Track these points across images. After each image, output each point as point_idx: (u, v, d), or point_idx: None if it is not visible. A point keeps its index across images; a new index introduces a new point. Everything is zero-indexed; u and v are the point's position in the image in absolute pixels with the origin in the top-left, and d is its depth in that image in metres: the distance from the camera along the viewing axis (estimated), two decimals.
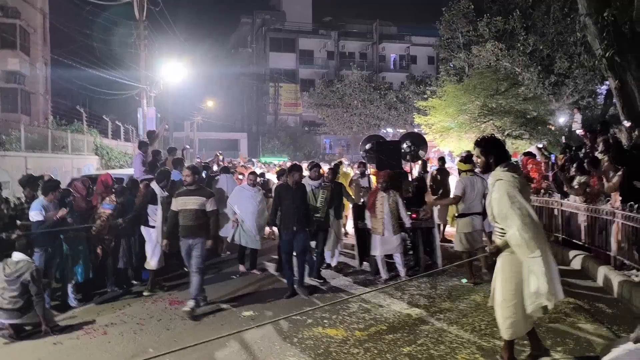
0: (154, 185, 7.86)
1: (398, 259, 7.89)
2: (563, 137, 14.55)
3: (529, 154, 12.29)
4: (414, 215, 8.28)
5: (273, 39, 50.46)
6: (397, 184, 8.55)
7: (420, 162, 11.92)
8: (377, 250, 7.86)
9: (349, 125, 41.47)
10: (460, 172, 7.96)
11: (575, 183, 8.57)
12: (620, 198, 7.18)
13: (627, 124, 9.76)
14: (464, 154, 8.42)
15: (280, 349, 5.26)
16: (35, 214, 6.63)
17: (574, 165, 8.77)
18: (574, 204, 8.56)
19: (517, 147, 19.17)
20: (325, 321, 6.09)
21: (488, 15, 23.15)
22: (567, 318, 5.83)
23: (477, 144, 4.46)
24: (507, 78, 18.83)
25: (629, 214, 6.56)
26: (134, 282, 8.07)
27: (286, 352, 5.17)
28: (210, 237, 6.81)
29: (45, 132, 19.10)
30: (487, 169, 4.40)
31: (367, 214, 8.03)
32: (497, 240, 4.35)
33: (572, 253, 8.48)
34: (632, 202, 6.53)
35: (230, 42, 58.87)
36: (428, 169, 12.05)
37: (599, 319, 5.79)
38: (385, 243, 7.78)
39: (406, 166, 11.34)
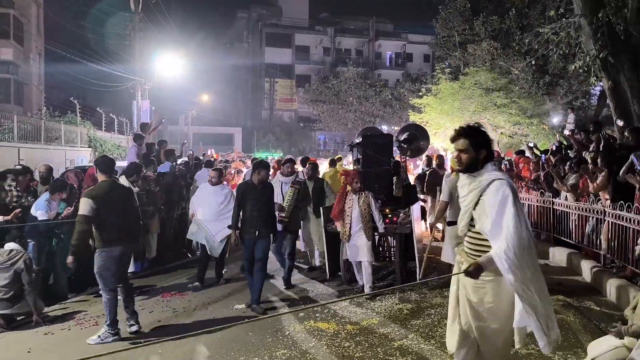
0: (122, 179, 7.32)
1: (365, 268, 6.91)
2: (558, 136, 14.61)
3: (521, 153, 12.37)
4: (395, 219, 7.54)
5: (269, 34, 50.34)
6: (384, 184, 7.94)
7: (424, 157, 11.80)
8: (347, 255, 7.09)
9: (344, 122, 41.47)
10: (452, 171, 7.01)
11: (568, 181, 8.64)
12: (608, 197, 7.25)
13: (620, 123, 9.84)
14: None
15: (271, 342, 5.29)
16: (40, 214, 6.70)
17: (567, 164, 8.83)
18: (565, 202, 8.63)
19: (511, 146, 19.28)
20: (317, 315, 6.12)
21: (484, 14, 23.22)
22: (556, 314, 5.88)
23: (464, 133, 3.35)
24: (502, 76, 18.92)
25: (619, 212, 6.62)
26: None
27: (277, 345, 5.20)
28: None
29: (39, 123, 19.02)
30: (473, 167, 3.32)
31: (336, 222, 7.11)
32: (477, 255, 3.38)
33: (562, 251, 8.56)
34: (622, 202, 6.59)
35: (226, 36, 58.67)
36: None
37: (587, 315, 5.85)
38: (351, 249, 6.94)
39: (406, 162, 10.37)
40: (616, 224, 6.74)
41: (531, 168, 10.67)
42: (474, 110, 18.69)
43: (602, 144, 8.71)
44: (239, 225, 6.56)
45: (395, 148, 8.80)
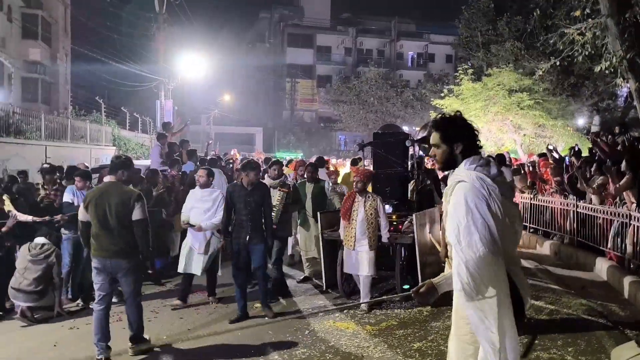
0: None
1: (364, 283, 6.34)
2: (578, 143, 14.37)
3: (544, 155, 12.19)
4: (400, 227, 6.84)
5: (291, 34, 50.50)
6: (397, 188, 7.30)
7: None
8: (345, 268, 6.46)
9: (365, 122, 41.37)
10: None
11: (593, 182, 8.51)
12: (634, 201, 7.13)
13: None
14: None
15: (291, 340, 5.34)
16: (67, 196, 6.82)
17: (593, 166, 8.70)
18: (589, 205, 8.50)
19: (534, 148, 19.02)
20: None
21: (508, 15, 22.95)
22: (579, 319, 5.82)
23: (435, 125, 2.92)
24: (526, 77, 18.67)
25: None
26: (149, 271, 8.18)
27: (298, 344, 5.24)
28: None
29: (65, 122, 19.42)
30: (450, 164, 2.85)
31: (342, 222, 6.50)
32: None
33: (587, 255, 8.44)
34: None
35: (248, 36, 59.03)
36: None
37: (611, 320, 5.77)
38: (350, 260, 6.35)
39: (428, 163, 9.97)
40: None
41: (556, 171, 10.51)
42: (496, 112, 18.50)
43: (626, 147, 8.56)
44: (230, 230, 6.12)
45: (417, 149, 8.14)
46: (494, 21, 23.82)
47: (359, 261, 6.25)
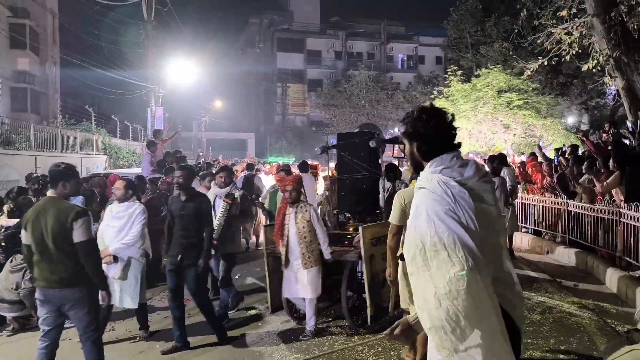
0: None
1: (308, 307, 5.52)
2: (564, 145, 14.44)
3: (533, 155, 12.25)
4: (348, 244, 5.82)
5: (281, 39, 50.56)
6: (364, 195, 6.36)
7: None
8: (284, 291, 5.60)
9: (357, 125, 41.39)
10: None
11: (583, 180, 8.57)
12: (622, 199, 7.18)
13: (631, 120, 9.75)
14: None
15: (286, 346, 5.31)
16: None
17: (584, 164, 8.75)
18: (579, 203, 8.55)
19: (524, 148, 19.10)
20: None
21: (496, 15, 23.11)
22: (571, 317, 5.84)
23: (402, 120, 2.46)
24: (515, 77, 18.78)
25: (635, 214, 6.55)
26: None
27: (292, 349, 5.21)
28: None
29: (55, 131, 19.32)
30: (416, 167, 2.38)
31: (275, 241, 5.62)
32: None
33: (577, 253, 8.48)
34: (637, 202, 6.52)
35: (238, 42, 59.05)
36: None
37: (603, 318, 5.79)
38: (287, 282, 5.53)
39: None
40: (631, 225, 6.67)
41: (543, 170, 10.57)
42: (486, 112, 18.57)
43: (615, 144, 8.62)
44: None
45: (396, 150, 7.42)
46: (482, 22, 23.98)
47: (298, 282, 5.41)
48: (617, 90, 11.32)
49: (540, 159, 10.99)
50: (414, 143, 2.31)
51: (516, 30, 14.13)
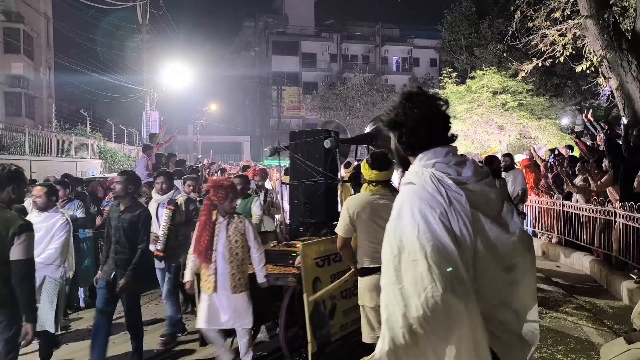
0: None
1: (241, 340, 4.62)
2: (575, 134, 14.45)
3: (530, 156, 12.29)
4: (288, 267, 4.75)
5: (276, 42, 50.60)
6: (319, 203, 5.52)
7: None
8: (202, 321, 4.52)
9: (352, 128, 41.39)
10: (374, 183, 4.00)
11: (577, 181, 8.60)
12: (617, 199, 7.21)
13: (624, 121, 9.80)
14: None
15: None
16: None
17: (578, 164, 8.79)
18: (575, 204, 8.58)
19: (519, 149, 19.18)
20: None
21: (490, 17, 23.21)
22: (569, 317, 5.86)
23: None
24: (510, 78, 18.87)
25: (630, 214, 6.58)
26: None
27: None
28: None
29: (49, 135, 19.26)
30: (403, 162, 1.99)
31: (192, 256, 4.60)
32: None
33: (572, 253, 8.51)
34: (632, 202, 6.55)
35: (233, 45, 59.07)
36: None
37: (600, 318, 5.81)
38: (212, 307, 4.48)
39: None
40: (627, 225, 6.70)
41: (538, 171, 10.62)
42: (481, 113, 18.65)
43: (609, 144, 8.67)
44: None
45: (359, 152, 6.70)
46: (476, 24, 24.08)
47: (228, 310, 4.47)
48: (611, 91, 11.37)
49: (538, 160, 11.03)
50: (397, 133, 1.89)
51: (510, 32, 14.19)
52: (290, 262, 4.75)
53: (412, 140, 1.86)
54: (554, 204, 9.42)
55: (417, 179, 1.77)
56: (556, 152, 11.12)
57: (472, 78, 19.37)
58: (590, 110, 10.67)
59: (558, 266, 8.55)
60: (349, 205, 3.91)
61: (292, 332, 4.74)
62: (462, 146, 19.21)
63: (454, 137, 1.91)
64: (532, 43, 12.50)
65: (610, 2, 10.30)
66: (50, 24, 31.53)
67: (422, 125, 1.84)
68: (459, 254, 1.64)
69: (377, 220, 3.76)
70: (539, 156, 11.35)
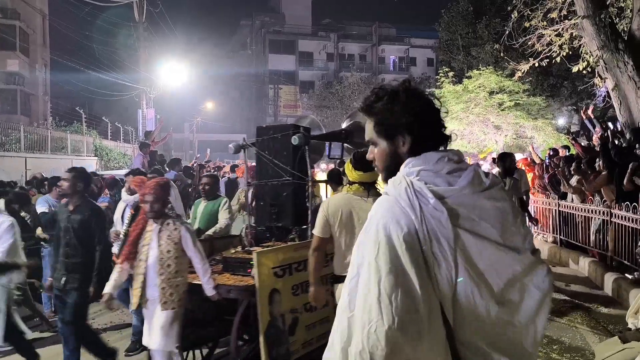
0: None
1: None
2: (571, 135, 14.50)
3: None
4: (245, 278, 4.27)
5: (272, 40, 50.54)
6: (287, 205, 5.07)
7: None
8: (145, 339, 4.02)
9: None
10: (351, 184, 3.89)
11: (573, 181, 8.63)
12: (613, 199, 7.23)
13: (611, 126, 9.87)
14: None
15: None
16: (40, 207, 6.63)
17: (573, 164, 8.82)
18: (570, 203, 8.61)
19: (515, 149, 19.22)
20: None
21: (487, 17, 23.24)
22: (564, 316, 5.87)
23: (368, 106, 1.66)
24: (506, 78, 18.92)
25: (625, 213, 6.60)
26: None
27: None
28: None
29: (45, 133, 19.17)
30: (388, 171, 1.63)
31: (118, 267, 4.02)
32: None
33: (569, 253, 8.53)
34: (627, 202, 6.57)
35: (230, 44, 58.98)
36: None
37: (595, 317, 5.83)
38: (148, 326, 3.96)
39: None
40: (622, 225, 6.72)
41: (535, 170, 10.65)
42: (477, 113, 18.68)
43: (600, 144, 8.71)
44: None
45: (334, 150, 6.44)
46: (473, 24, 24.10)
47: (151, 327, 3.93)
48: (607, 92, 11.40)
49: (536, 159, 11.06)
50: (398, 138, 1.57)
51: (507, 32, 14.23)
52: (249, 270, 4.24)
53: (414, 148, 1.55)
54: (549, 203, 9.44)
55: (394, 189, 1.49)
56: (551, 153, 11.15)
57: (469, 78, 19.39)
58: (591, 107, 10.68)
59: (553, 266, 8.57)
60: (327, 204, 3.68)
61: (250, 350, 4.19)
62: (458, 146, 19.24)
63: (448, 138, 1.62)
64: (529, 43, 12.51)
65: (607, 3, 10.34)
66: (47, 21, 31.41)
67: (426, 129, 1.57)
68: (423, 285, 1.34)
69: (356, 224, 3.54)
70: (537, 155, 11.39)
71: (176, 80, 24.63)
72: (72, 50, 24.87)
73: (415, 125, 1.55)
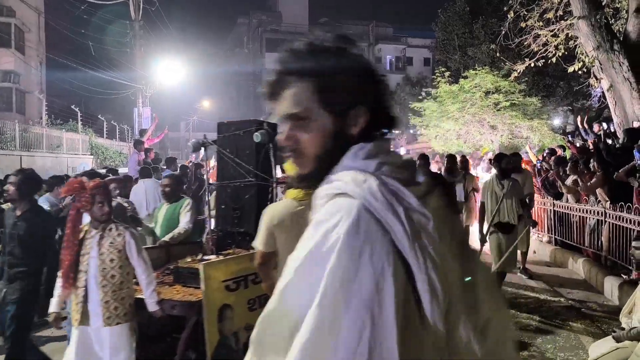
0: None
1: None
2: (567, 137, 14.52)
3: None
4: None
5: (269, 39, 50.49)
6: (251, 209, 4.61)
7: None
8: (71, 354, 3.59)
9: None
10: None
11: (569, 181, 8.66)
12: (607, 199, 7.26)
13: (605, 125, 9.93)
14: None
15: None
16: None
17: (569, 164, 8.85)
18: (565, 203, 8.63)
19: (511, 149, 19.27)
20: None
21: (483, 17, 23.29)
22: (558, 316, 5.89)
23: (288, 64, 1.16)
24: (502, 78, 18.96)
25: (620, 214, 6.63)
26: None
27: None
28: None
29: (40, 131, 19.12)
30: (322, 163, 1.06)
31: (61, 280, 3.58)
32: None
33: (564, 252, 8.55)
34: (621, 203, 6.60)
35: (227, 42, 58.89)
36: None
37: (589, 317, 5.85)
38: (86, 346, 3.54)
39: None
40: (616, 225, 6.75)
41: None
42: (473, 113, 18.71)
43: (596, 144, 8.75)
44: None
45: None
46: (469, 24, 24.16)
47: (101, 345, 3.54)
48: (603, 92, 11.45)
49: (532, 159, 11.10)
50: (345, 113, 1.06)
51: (503, 32, 14.27)
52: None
53: (368, 128, 1.06)
54: (544, 203, 9.46)
55: (357, 189, 0.95)
56: (545, 154, 11.18)
57: (465, 78, 19.42)
58: (586, 117, 10.73)
59: (548, 265, 8.60)
60: (268, 213, 3.26)
61: None
62: (454, 145, 19.29)
63: (391, 121, 1.14)
64: (525, 43, 12.56)
65: (603, 4, 10.38)
66: (42, 19, 31.28)
67: (386, 95, 1.12)
68: (406, 339, 0.88)
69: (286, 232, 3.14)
70: (534, 155, 11.43)
71: (172, 79, 24.58)
72: (68, 48, 24.81)
73: (378, 94, 1.10)
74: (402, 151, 24.74)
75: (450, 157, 8.88)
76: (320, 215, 0.98)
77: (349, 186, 0.97)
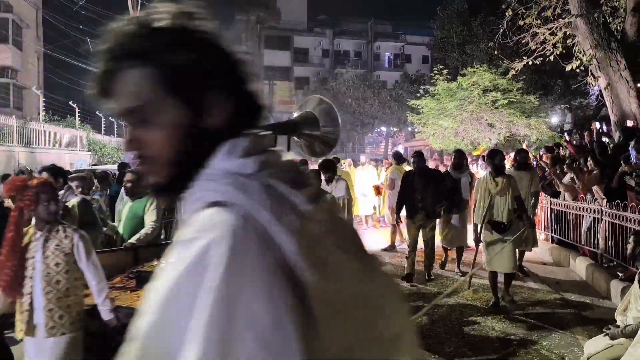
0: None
1: None
2: (565, 135, 14.57)
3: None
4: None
5: (268, 36, 50.43)
6: None
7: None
8: None
9: (343, 124, 41.19)
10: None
11: (566, 179, 8.68)
12: (604, 197, 7.29)
13: (597, 125, 9.98)
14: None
15: None
16: None
17: (566, 162, 8.88)
18: (562, 201, 8.66)
19: (508, 147, 19.30)
20: None
21: (482, 15, 23.30)
22: (554, 313, 5.92)
23: (121, 43, 0.91)
24: (500, 76, 18.98)
25: (616, 212, 6.66)
26: None
27: None
28: None
29: (38, 127, 19.09)
30: (177, 169, 0.85)
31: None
32: None
33: (560, 250, 8.59)
34: (618, 201, 6.63)
35: (225, 39, 58.78)
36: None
37: (585, 314, 5.88)
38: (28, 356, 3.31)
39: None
40: (613, 223, 6.78)
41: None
42: (471, 111, 18.74)
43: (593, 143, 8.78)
44: None
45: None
46: (468, 22, 24.19)
47: (36, 359, 3.27)
48: (600, 90, 11.48)
49: (531, 156, 11.13)
50: (207, 103, 0.87)
51: (501, 30, 14.27)
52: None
53: (234, 124, 0.89)
54: (541, 201, 9.48)
55: (235, 197, 0.78)
56: (540, 154, 11.21)
57: (463, 75, 19.44)
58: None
59: (545, 263, 8.63)
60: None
61: None
62: (452, 143, 19.30)
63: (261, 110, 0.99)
64: (523, 41, 12.57)
65: (601, 2, 10.41)
66: (40, 14, 31.19)
67: (249, 79, 0.98)
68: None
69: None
70: (531, 153, 11.45)
71: None
72: (66, 43, 24.75)
73: (237, 78, 0.94)
74: (400, 148, 24.76)
75: (458, 153, 8.46)
76: (189, 232, 0.75)
77: (224, 194, 0.78)
